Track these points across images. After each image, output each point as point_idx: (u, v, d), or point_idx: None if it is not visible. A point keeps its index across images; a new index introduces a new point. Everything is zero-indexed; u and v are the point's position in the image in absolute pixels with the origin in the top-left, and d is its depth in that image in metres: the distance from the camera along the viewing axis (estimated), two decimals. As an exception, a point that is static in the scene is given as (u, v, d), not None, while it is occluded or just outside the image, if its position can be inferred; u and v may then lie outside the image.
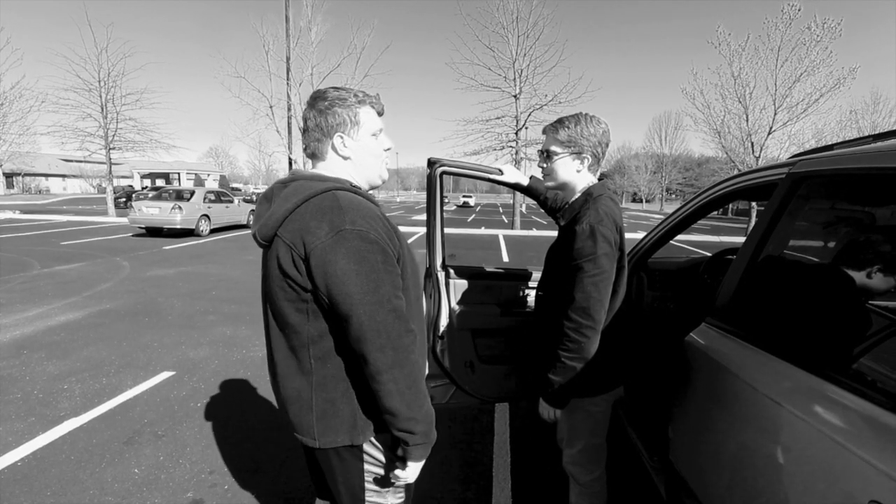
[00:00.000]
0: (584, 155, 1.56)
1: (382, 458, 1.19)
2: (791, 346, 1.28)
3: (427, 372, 2.25)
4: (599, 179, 1.63)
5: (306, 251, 0.99)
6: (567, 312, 1.45)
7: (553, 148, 1.59)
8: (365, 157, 1.19)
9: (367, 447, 1.16)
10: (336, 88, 1.14)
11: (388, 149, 1.26)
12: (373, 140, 1.20)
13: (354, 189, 1.13)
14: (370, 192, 1.24)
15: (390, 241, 1.07)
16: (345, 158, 1.17)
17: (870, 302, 1.33)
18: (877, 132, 1.44)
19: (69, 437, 2.82)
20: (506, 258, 11.67)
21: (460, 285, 2.35)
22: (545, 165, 1.63)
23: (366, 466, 1.18)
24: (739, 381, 1.36)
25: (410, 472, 1.11)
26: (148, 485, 2.38)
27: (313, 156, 1.18)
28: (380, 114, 1.22)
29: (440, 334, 2.27)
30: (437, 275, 2.24)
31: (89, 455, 2.63)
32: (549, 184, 1.66)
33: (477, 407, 3.28)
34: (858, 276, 1.33)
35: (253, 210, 16.88)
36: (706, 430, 1.53)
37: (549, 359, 1.53)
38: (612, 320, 1.54)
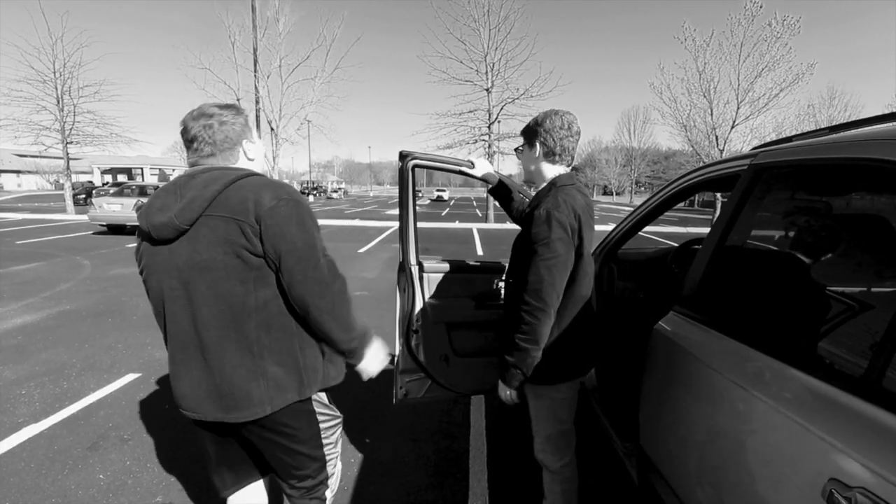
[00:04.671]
0: (535, 143, 1.66)
1: (324, 399, 1.51)
2: (754, 332, 1.33)
3: (403, 367, 2.27)
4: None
5: (257, 216, 1.14)
6: (521, 295, 1.49)
7: (520, 144, 1.75)
8: (260, 157, 1.40)
9: (313, 396, 1.39)
10: (216, 105, 1.27)
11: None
12: (259, 142, 1.39)
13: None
14: None
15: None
16: (251, 160, 1.35)
17: (827, 287, 1.39)
18: (832, 125, 1.50)
19: (28, 443, 2.70)
20: (480, 251, 11.72)
21: (434, 279, 2.35)
22: (519, 161, 1.77)
23: (317, 409, 1.43)
24: (705, 366, 1.40)
25: (369, 368, 1.42)
26: (114, 490, 2.30)
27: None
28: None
29: (415, 328, 2.27)
30: (410, 269, 2.24)
31: (51, 462, 2.52)
32: (524, 177, 1.76)
33: (452, 400, 3.30)
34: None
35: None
36: (675, 415, 1.57)
37: (509, 342, 1.57)
38: (572, 309, 1.56)
